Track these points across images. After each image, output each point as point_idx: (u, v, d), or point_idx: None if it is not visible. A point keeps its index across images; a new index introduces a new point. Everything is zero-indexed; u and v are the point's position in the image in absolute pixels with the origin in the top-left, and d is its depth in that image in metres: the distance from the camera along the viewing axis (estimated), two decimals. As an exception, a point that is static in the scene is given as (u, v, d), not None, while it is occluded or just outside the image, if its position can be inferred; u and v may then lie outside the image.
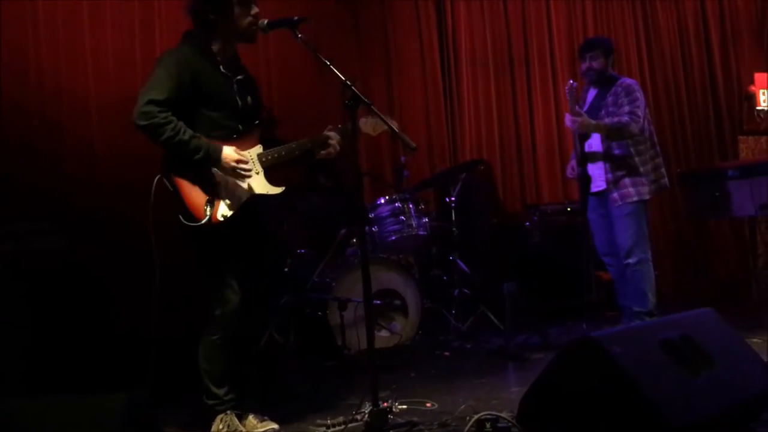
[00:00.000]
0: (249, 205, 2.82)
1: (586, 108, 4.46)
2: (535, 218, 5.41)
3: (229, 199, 2.78)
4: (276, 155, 2.92)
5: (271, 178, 2.91)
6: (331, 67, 2.72)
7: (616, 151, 4.32)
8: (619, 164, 4.31)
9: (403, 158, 5.31)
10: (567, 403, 2.29)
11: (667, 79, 6.87)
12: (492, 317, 4.83)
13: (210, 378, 2.88)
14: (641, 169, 4.31)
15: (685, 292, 6.42)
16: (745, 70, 7.25)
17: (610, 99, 4.38)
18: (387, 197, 4.69)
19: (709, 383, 2.32)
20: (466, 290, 4.95)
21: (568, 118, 4.30)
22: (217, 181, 2.78)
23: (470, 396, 3.31)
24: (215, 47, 2.87)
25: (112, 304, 4.32)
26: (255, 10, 2.86)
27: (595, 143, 4.42)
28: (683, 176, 5.86)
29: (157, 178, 2.77)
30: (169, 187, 2.75)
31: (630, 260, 4.30)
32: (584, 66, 4.49)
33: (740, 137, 7.27)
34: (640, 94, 4.37)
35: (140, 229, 4.49)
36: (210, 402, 2.88)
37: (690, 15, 7.05)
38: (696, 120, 6.97)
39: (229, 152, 2.77)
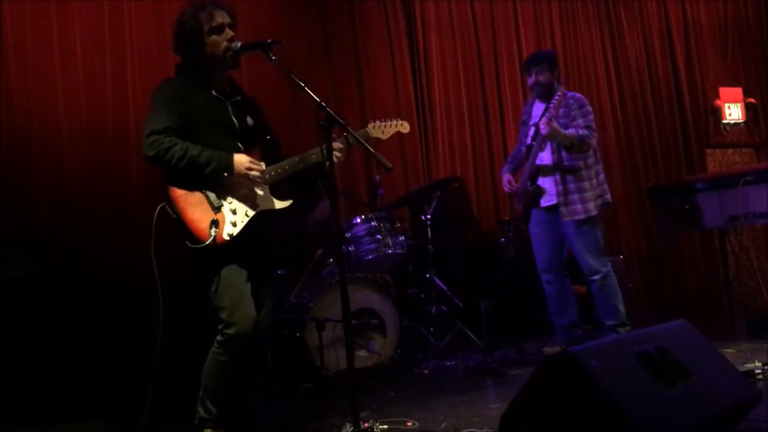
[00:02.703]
0: (256, 220, 2.83)
1: (535, 121, 4.48)
2: (510, 234, 5.44)
3: (234, 217, 2.79)
4: (279, 170, 2.92)
5: (277, 193, 2.93)
6: (306, 88, 2.73)
7: (566, 163, 4.38)
8: (568, 176, 4.37)
9: (378, 177, 5.32)
10: (547, 418, 2.30)
11: (634, 95, 7.00)
12: (470, 334, 4.84)
13: (209, 393, 2.83)
14: (588, 184, 4.37)
15: (657, 305, 6.51)
16: (710, 84, 7.42)
17: (561, 111, 4.41)
18: (363, 216, 4.69)
19: (685, 395, 2.34)
20: (443, 307, 4.95)
21: (544, 123, 4.23)
22: (222, 201, 2.80)
23: (450, 414, 3.30)
24: (205, 75, 2.92)
25: (86, 328, 4.28)
26: (229, 34, 2.87)
27: (545, 156, 4.45)
28: (653, 190, 5.95)
29: (159, 207, 2.79)
30: (172, 214, 2.77)
31: (595, 277, 4.36)
32: (531, 80, 4.54)
33: (707, 150, 7.43)
34: (590, 108, 4.47)
35: (112, 252, 4.51)
36: (202, 414, 2.84)
37: (655, 32, 7.20)
38: (664, 135, 7.10)
39: (240, 158, 2.83)
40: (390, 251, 4.56)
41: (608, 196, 4.49)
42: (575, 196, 4.35)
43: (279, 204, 2.92)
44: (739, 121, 7.55)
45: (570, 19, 6.82)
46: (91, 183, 4.68)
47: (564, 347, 4.26)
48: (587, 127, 4.35)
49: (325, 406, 3.71)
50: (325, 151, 2.87)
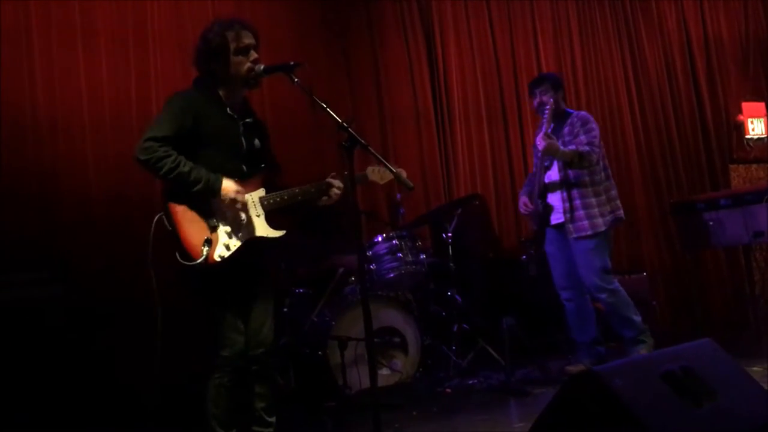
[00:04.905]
0: (248, 246, 2.84)
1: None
2: (531, 252, 5.43)
3: (228, 240, 2.80)
4: (278, 199, 2.95)
5: (272, 221, 2.94)
6: (328, 109, 2.76)
7: (573, 180, 4.41)
8: (575, 192, 4.39)
9: (399, 196, 5.34)
10: (571, 438, 2.29)
11: (656, 111, 6.96)
12: (492, 352, 4.82)
13: (218, 421, 2.85)
14: (595, 200, 4.38)
15: (682, 323, 6.42)
16: (732, 99, 7.37)
17: (566, 129, 4.46)
18: (384, 235, 4.71)
19: (711, 414, 2.32)
20: (465, 326, 4.94)
21: (539, 138, 4.30)
22: (217, 221, 2.81)
23: (473, 433, 3.29)
24: (222, 92, 2.96)
25: (110, 351, 4.31)
26: (254, 56, 2.92)
27: (553, 173, 4.50)
28: (676, 206, 5.90)
29: (156, 217, 2.82)
30: (168, 225, 2.79)
31: (602, 296, 4.36)
32: (535, 102, 4.58)
33: (731, 166, 7.36)
34: (595, 125, 4.48)
35: (138, 276, 4.53)
36: None
37: (676, 47, 7.17)
38: (686, 151, 7.05)
39: (228, 184, 2.81)
40: (411, 269, 4.57)
41: (620, 212, 4.49)
42: (581, 213, 4.36)
43: (273, 233, 2.91)
44: (763, 136, 7.47)
45: (590, 34, 6.80)
46: (117, 207, 4.71)
47: (588, 366, 4.23)
48: (589, 143, 4.37)
49: (347, 425, 3.71)
50: (323, 186, 2.97)
